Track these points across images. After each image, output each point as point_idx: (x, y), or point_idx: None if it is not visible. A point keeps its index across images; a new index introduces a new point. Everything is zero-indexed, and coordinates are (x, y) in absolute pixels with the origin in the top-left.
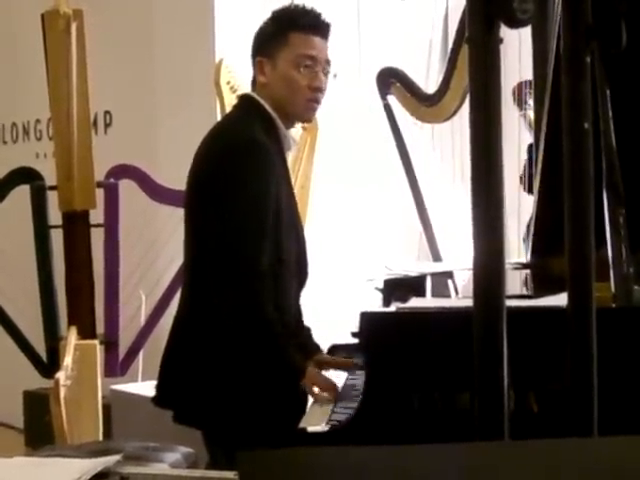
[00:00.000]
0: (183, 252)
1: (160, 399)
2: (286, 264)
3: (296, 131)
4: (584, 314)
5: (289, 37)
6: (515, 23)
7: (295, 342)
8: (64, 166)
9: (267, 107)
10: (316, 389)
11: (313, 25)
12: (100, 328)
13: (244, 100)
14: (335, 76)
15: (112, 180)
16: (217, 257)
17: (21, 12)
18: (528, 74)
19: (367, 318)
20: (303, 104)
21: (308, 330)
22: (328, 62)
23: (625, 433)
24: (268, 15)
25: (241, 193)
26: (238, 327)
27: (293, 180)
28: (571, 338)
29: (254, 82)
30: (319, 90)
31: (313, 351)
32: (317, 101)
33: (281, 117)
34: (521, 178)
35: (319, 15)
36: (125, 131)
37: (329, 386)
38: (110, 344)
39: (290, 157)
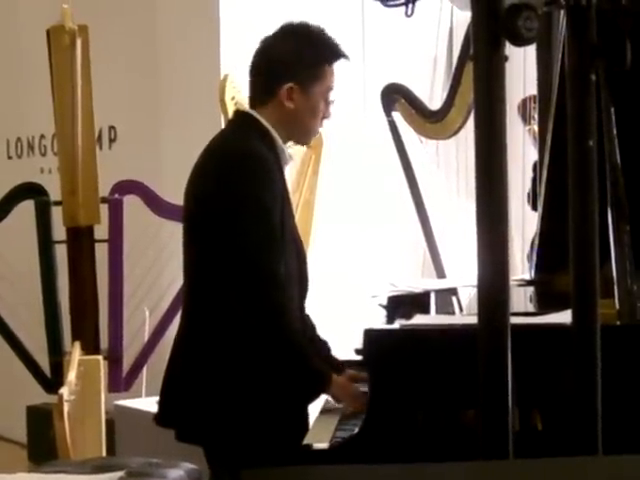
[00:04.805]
0: (182, 268)
1: (162, 418)
2: (288, 277)
3: (301, 147)
4: (588, 331)
5: (324, 70)
6: (520, 41)
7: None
8: (69, 181)
9: (264, 122)
10: (344, 398)
11: (342, 59)
12: (104, 343)
13: (239, 116)
14: (332, 102)
15: (117, 196)
16: (233, 271)
17: (26, 28)
18: (533, 88)
19: (371, 335)
20: (315, 133)
21: (326, 343)
22: None
23: (630, 452)
24: (289, 35)
25: (250, 206)
26: (264, 338)
27: (298, 195)
28: (575, 355)
29: (262, 100)
30: (328, 119)
31: (338, 364)
32: None
33: (281, 136)
34: (529, 195)
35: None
36: (130, 146)
37: (358, 396)
38: (114, 359)
39: (295, 172)
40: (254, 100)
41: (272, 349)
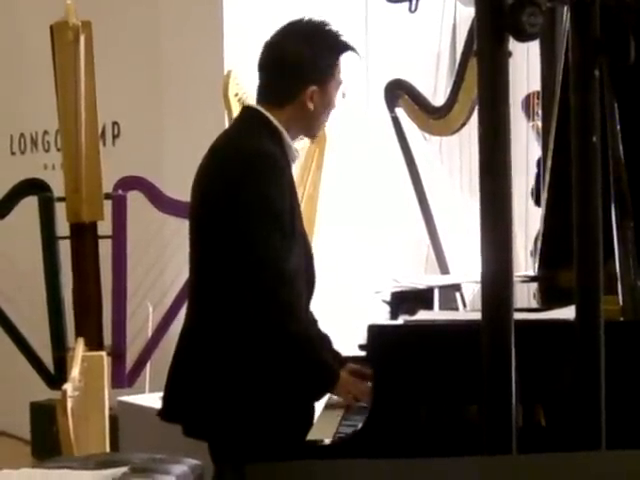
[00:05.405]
0: (189, 264)
1: (167, 413)
2: (297, 274)
3: (304, 142)
4: (592, 327)
5: (334, 66)
6: (524, 36)
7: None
8: (72, 177)
9: (274, 120)
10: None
11: (350, 51)
12: (107, 339)
13: (248, 112)
14: (344, 96)
15: (120, 192)
16: (241, 268)
17: (29, 23)
18: (536, 84)
19: (375, 331)
20: (324, 124)
21: (327, 336)
22: None
23: (633, 447)
24: (282, 28)
25: (258, 204)
26: (271, 335)
27: (302, 190)
28: (579, 351)
29: (279, 102)
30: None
31: (341, 359)
32: None
33: (290, 132)
34: (532, 192)
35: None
36: (133, 143)
37: (365, 392)
38: (117, 355)
39: (298, 167)
40: (267, 99)
41: (279, 347)
